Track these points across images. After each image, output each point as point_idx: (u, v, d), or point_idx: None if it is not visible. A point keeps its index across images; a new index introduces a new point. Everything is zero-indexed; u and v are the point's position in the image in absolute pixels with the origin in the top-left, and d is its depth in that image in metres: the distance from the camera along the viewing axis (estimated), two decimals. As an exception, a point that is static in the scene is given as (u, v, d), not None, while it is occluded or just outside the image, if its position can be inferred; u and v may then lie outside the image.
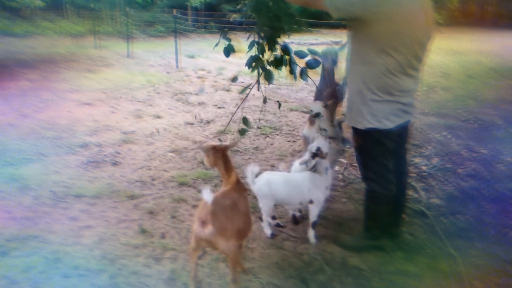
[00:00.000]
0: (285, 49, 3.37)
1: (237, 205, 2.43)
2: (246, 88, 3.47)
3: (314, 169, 2.96)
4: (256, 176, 3.14)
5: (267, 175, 3.15)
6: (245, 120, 3.50)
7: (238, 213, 2.40)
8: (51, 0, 18.94)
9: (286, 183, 3.07)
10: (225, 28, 3.42)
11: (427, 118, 6.29)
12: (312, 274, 2.73)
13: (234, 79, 3.68)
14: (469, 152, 4.86)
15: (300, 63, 3.41)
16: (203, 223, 2.27)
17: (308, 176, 3.00)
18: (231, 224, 2.32)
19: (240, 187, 2.57)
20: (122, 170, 4.42)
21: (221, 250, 2.36)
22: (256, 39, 3.36)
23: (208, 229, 2.24)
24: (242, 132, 3.55)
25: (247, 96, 3.65)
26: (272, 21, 3.26)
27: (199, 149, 2.83)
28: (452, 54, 12.17)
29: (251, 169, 3.13)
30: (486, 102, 7.10)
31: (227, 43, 3.38)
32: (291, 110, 7.03)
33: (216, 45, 3.39)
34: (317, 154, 2.96)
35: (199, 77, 9.98)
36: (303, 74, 3.35)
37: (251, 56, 3.36)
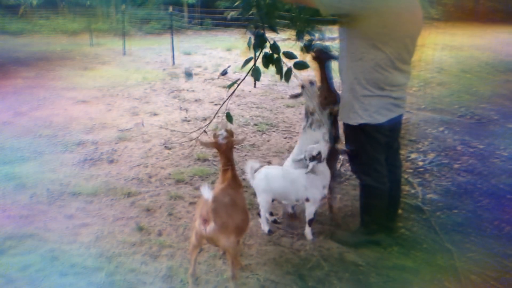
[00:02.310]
0: (274, 47, 3.29)
1: (235, 201, 2.45)
2: (233, 83, 3.42)
3: (312, 171, 2.95)
4: (255, 171, 3.14)
5: (266, 170, 3.14)
6: (228, 116, 3.44)
7: (237, 210, 2.43)
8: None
9: (284, 178, 3.07)
10: (251, 25, 3.20)
11: (423, 113, 6.30)
12: (309, 270, 2.73)
13: (223, 73, 3.63)
14: (465, 147, 4.87)
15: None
16: (205, 221, 2.28)
17: (305, 175, 2.99)
18: (231, 220, 2.35)
19: (236, 183, 2.59)
20: (118, 168, 4.42)
21: (222, 246, 2.38)
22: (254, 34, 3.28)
23: (210, 226, 2.26)
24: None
25: (234, 91, 3.59)
26: (267, 17, 3.21)
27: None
28: (448, 49, 12.16)
29: (250, 165, 3.12)
30: (482, 97, 7.11)
31: (252, 37, 3.16)
32: (288, 106, 7.01)
33: (249, 43, 3.16)
34: (315, 157, 2.93)
35: (195, 74, 9.94)
36: (287, 75, 3.25)
37: (266, 52, 3.26)
